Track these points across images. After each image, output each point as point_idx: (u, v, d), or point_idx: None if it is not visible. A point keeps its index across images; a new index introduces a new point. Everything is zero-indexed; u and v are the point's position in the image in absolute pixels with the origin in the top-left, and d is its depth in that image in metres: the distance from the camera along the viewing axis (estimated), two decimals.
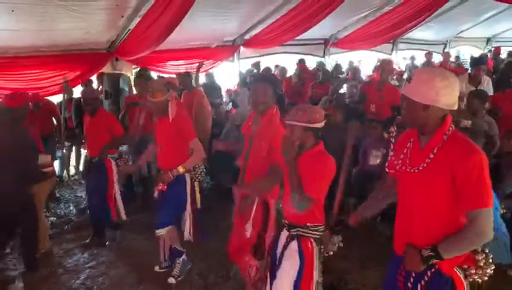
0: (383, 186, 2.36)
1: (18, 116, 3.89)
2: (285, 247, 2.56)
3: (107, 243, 4.61)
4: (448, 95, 1.84)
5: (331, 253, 2.54)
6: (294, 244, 2.52)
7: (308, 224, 2.50)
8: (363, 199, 4.63)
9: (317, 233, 2.51)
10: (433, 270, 1.88)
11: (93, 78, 7.23)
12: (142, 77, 5.95)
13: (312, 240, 2.50)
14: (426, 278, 1.90)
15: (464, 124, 4.66)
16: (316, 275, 2.49)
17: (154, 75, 7.52)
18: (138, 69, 6.94)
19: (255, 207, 3.09)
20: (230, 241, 3.25)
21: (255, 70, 8.87)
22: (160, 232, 3.59)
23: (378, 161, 4.05)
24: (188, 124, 3.59)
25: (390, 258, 2.16)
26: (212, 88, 7.91)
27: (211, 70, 8.56)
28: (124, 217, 4.61)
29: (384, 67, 5.89)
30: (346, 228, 2.47)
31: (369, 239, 4.32)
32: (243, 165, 3.20)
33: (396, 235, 2.09)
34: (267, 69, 8.36)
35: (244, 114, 6.42)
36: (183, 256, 3.77)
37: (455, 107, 1.87)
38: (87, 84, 6.91)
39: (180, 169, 3.47)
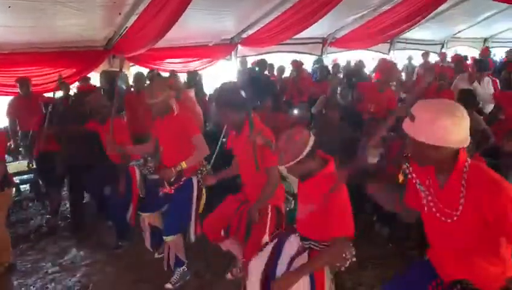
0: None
1: None
2: (295, 257, 2.50)
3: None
4: (458, 133, 1.68)
5: (343, 268, 2.47)
6: (305, 256, 2.45)
7: (322, 240, 2.44)
8: (360, 198, 4.67)
9: None
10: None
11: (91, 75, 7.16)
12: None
13: None
14: None
15: None
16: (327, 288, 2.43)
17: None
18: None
19: (269, 218, 3.06)
20: (246, 250, 3.12)
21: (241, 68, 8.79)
22: (168, 239, 3.55)
23: (375, 160, 4.03)
24: (191, 120, 3.56)
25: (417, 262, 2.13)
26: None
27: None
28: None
29: (390, 70, 5.86)
30: None
31: (366, 239, 4.31)
32: (243, 179, 3.21)
33: (436, 255, 2.00)
34: (263, 62, 8.32)
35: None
36: (184, 266, 3.76)
37: (467, 143, 1.72)
38: (84, 81, 6.85)
39: (184, 164, 3.37)
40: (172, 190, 3.57)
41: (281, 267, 2.51)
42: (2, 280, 3.94)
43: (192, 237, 3.64)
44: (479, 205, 1.67)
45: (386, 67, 6.10)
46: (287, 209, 3.26)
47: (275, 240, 2.72)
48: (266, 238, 3.01)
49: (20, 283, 3.89)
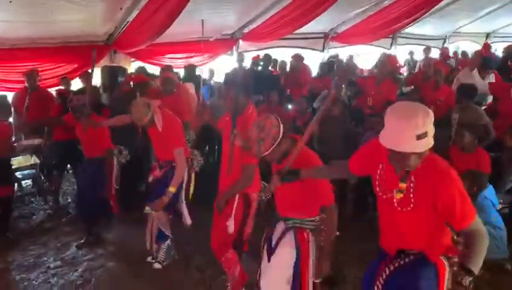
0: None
1: None
2: (280, 238, 2.58)
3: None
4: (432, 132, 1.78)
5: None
6: (289, 235, 2.54)
7: (304, 218, 2.54)
8: (361, 193, 4.68)
9: (313, 224, 2.54)
10: (417, 256, 1.99)
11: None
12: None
13: (308, 230, 2.52)
14: (403, 262, 2.01)
15: (453, 118, 4.67)
16: (312, 265, 2.50)
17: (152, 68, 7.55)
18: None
19: (236, 203, 3.09)
20: (212, 238, 3.24)
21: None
22: (149, 210, 3.63)
23: None
24: (174, 132, 3.63)
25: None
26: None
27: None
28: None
29: (387, 62, 5.84)
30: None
31: (367, 233, 4.31)
32: (228, 164, 3.13)
33: (385, 239, 2.16)
34: (267, 57, 8.31)
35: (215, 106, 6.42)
36: (169, 241, 3.80)
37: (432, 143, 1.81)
38: (85, 76, 6.85)
39: (172, 189, 3.50)
40: (161, 173, 3.68)
41: None
42: (4, 275, 3.95)
43: (188, 221, 3.72)
44: (429, 193, 1.81)
45: (382, 59, 6.10)
46: (263, 198, 3.24)
47: (264, 236, 2.79)
48: (231, 222, 3.05)
49: (22, 278, 3.90)
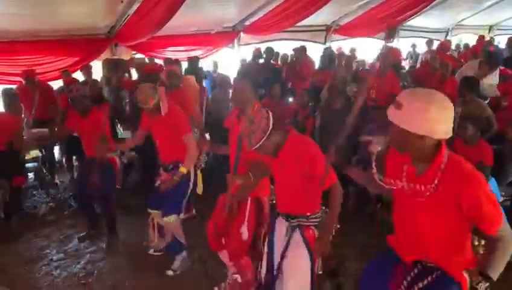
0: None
1: None
2: (288, 240, 2.54)
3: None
4: (445, 124, 1.71)
5: (331, 237, 2.51)
6: (297, 235, 2.51)
7: (308, 214, 2.51)
8: (363, 187, 4.67)
9: (317, 220, 2.52)
10: (439, 272, 1.87)
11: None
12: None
13: (313, 227, 2.51)
14: (426, 282, 1.88)
15: (455, 111, 4.64)
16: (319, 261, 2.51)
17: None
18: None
19: (248, 208, 3.07)
20: (228, 244, 3.19)
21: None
22: (167, 220, 3.60)
23: (379, 148, 4.03)
24: (181, 118, 3.62)
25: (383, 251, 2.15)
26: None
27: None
28: None
29: (389, 54, 5.81)
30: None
31: (369, 226, 4.34)
32: (234, 164, 3.13)
33: (400, 244, 2.04)
34: (270, 50, 8.27)
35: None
36: (184, 253, 3.80)
37: (451, 134, 1.74)
38: (86, 69, 6.84)
39: (183, 170, 3.52)
40: (170, 176, 3.64)
41: (276, 256, 2.60)
42: (7, 267, 3.97)
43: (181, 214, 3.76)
44: (452, 194, 1.71)
45: (384, 51, 6.06)
46: (273, 201, 3.23)
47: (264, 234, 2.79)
48: (245, 228, 3.02)
49: (25, 270, 3.93)
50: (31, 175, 6.40)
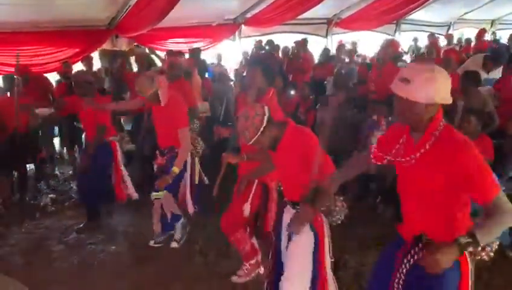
0: (353, 161, 2.35)
1: None
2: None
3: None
4: (447, 90, 1.81)
5: (339, 221, 2.51)
6: None
7: None
8: (362, 180, 4.69)
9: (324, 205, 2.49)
10: None
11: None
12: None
13: (320, 213, 2.49)
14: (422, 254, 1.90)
15: (458, 104, 4.65)
16: (328, 248, 2.51)
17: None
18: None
19: (254, 189, 3.12)
20: (225, 215, 3.27)
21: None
22: (157, 195, 3.65)
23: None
24: (180, 111, 3.62)
25: (391, 240, 2.16)
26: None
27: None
28: (135, 195, 4.60)
29: (389, 46, 5.80)
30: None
31: (369, 219, 4.34)
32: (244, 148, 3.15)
33: (404, 223, 2.06)
34: (271, 42, 8.26)
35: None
36: (182, 219, 3.84)
37: (450, 101, 1.83)
38: (86, 60, 6.82)
39: (175, 170, 3.52)
40: (165, 160, 3.69)
41: (284, 240, 2.61)
42: (7, 258, 3.99)
43: (191, 209, 3.76)
44: (444, 161, 1.76)
45: (384, 44, 6.05)
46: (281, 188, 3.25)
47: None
48: (247, 206, 3.10)
49: (26, 261, 3.93)
50: (31, 166, 6.44)
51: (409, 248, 1.98)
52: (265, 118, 2.35)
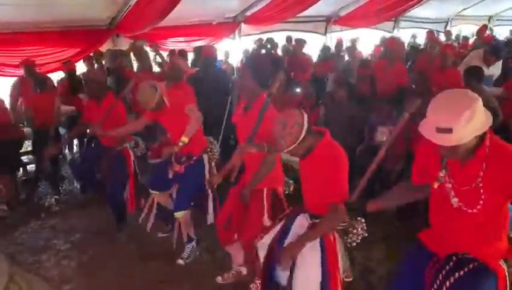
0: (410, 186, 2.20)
1: None
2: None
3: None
4: (487, 114, 1.71)
5: (354, 244, 2.47)
6: None
7: None
8: (368, 179, 4.71)
9: (341, 225, 2.44)
10: (475, 264, 1.85)
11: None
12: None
13: (335, 232, 2.46)
14: (463, 272, 1.85)
15: None
16: (342, 267, 2.45)
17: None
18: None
19: (265, 200, 3.06)
20: (245, 234, 3.14)
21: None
22: (178, 215, 3.60)
23: (384, 138, 4.07)
24: (182, 96, 3.58)
25: (413, 247, 2.13)
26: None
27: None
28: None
29: (396, 48, 5.82)
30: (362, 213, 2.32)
31: (374, 216, 4.34)
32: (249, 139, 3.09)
33: (434, 236, 2.02)
34: (272, 40, 8.27)
35: None
36: (193, 242, 3.83)
37: (491, 115, 1.72)
38: (88, 61, 6.83)
39: (184, 139, 3.34)
40: (183, 169, 3.59)
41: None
42: (15, 257, 3.99)
43: (210, 219, 3.70)
44: (500, 178, 1.68)
45: (392, 45, 6.06)
46: (286, 192, 3.24)
47: (283, 221, 2.73)
48: (266, 219, 3.02)
49: (34, 260, 3.95)
50: (32, 166, 6.44)
51: (442, 264, 1.93)
52: (305, 127, 2.28)
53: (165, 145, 3.86)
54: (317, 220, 2.48)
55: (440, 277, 1.89)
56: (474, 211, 1.77)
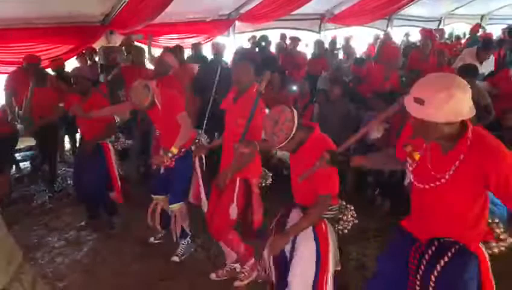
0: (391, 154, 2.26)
1: None
2: None
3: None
4: (469, 102, 1.71)
5: (346, 231, 2.56)
6: (308, 229, 2.50)
7: None
8: (359, 176, 4.74)
9: (331, 213, 2.54)
10: (456, 247, 1.89)
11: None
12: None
13: (326, 220, 2.52)
14: (447, 258, 1.89)
15: None
16: (332, 257, 2.49)
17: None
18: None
19: (237, 188, 3.11)
20: (213, 220, 3.23)
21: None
22: (174, 207, 3.62)
23: (379, 135, 4.10)
24: (174, 99, 3.58)
25: (396, 234, 2.18)
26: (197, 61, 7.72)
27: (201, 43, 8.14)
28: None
29: (395, 57, 5.85)
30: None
31: (369, 211, 4.39)
32: (226, 141, 3.19)
33: (415, 222, 2.06)
34: (265, 37, 8.27)
35: None
36: (188, 238, 3.84)
37: (474, 111, 1.73)
38: (81, 58, 6.78)
39: (174, 150, 3.42)
40: (173, 163, 3.60)
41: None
42: None
43: (205, 207, 3.66)
44: (478, 168, 1.71)
45: (391, 53, 6.07)
46: (263, 184, 3.27)
47: (277, 217, 2.78)
48: (234, 208, 3.08)
49: (28, 257, 3.90)
50: (26, 164, 6.40)
51: (424, 248, 1.97)
52: (295, 124, 2.34)
53: (155, 151, 3.86)
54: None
55: (424, 263, 1.93)
56: (447, 196, 1.83)
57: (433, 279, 1.90)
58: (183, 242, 3.82)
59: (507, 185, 1.68)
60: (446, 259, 1.88)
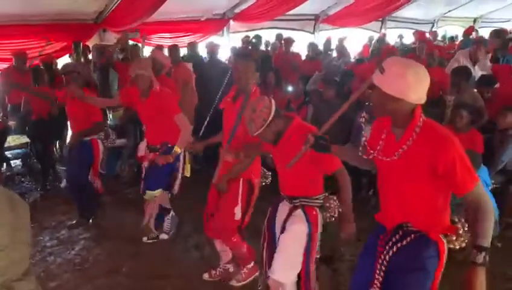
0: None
1: None
2: (288, 216, 2.59)
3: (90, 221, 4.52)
4: (418, 90, 1.83)
5: (333, 219, 2.59)
6: (299, 212, 2.55)
7: (310, 195, 2.57)
8: (354, 176, 4.75)
9: (319, 201, 2.58)
10: (417, 234, 1.97)
11: None
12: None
13: (316, 207, 2.56)
14: (405, 242, 1.97)
15: (448, 100, 4.76)
16: (317, 243, 2.56)
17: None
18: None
19: (241, 189, 3.08)
20: (214, 220, 3.19)
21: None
22: (153, 194, 3.67)
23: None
24: (169, 99, 3.60)
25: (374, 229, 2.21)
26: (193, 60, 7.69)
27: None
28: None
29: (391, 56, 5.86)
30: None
31: (362, 213, 4.39)
32: (228, 140, 3.15)
33: (384, 213, 2.12)
34: (259, 37, 8.26)
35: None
36: (171, 213, 3.88)
37: (423, 101, 1.86)
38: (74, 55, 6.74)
39: (177, 149, 3.53)
40: (154, 155, 3.70)
41: (277, 233, 2.67)
42: None
43: (175, 190, 3.82)
44: (425, 154, 1.81)
45: (391, 53, 6.09)
46: (263, 183, 3.26)
47: (268, 215, 2.80)
48: (238, 209, 3.06)
49: None
50: (17, 162, 6.34)
51: (389, 236, 2.04)
52: (272, 111, 2.39)
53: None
54: (297, 201, 2.58)
55: (387, 248, 2.02)
56: (403, 185, 1.94)
57: (391, 255, 2.00)
58: (167, 217, 3.84)
59: (454, 171, 1.77)
60: (404, 242, 1.98)
